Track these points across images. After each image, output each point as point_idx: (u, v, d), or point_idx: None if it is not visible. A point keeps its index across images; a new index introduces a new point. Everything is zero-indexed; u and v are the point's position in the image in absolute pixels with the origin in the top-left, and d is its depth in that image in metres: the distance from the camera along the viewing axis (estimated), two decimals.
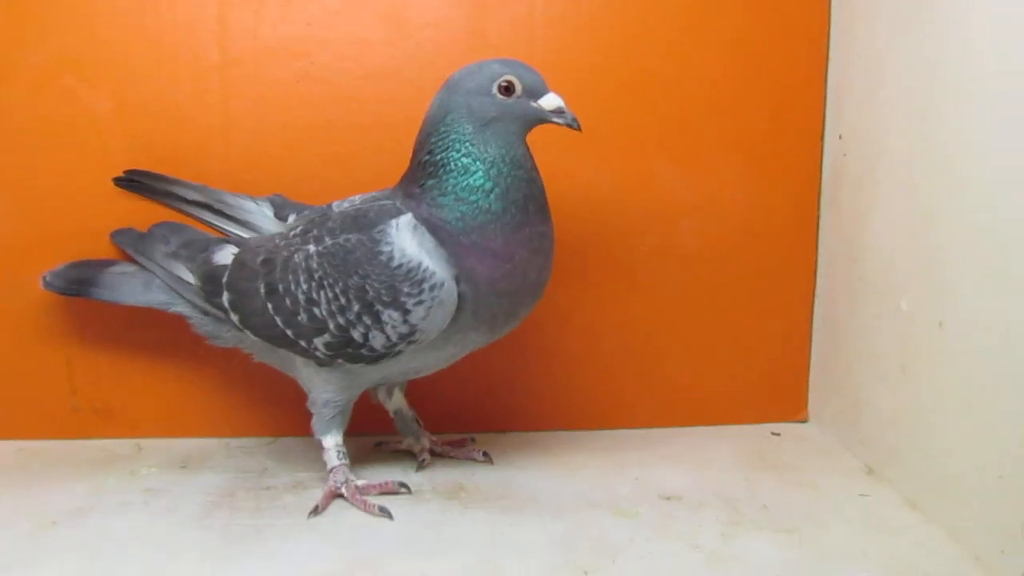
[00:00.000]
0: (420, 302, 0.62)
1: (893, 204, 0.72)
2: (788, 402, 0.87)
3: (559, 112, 0.65)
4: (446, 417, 0.83)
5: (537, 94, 0.65)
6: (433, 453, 0.77)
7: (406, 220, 0.64)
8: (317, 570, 0.57)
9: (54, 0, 0.78)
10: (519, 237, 0.64)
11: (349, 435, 0.71)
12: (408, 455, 0.77)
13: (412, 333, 0.63)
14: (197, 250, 0.73)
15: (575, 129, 0.66)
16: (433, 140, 0.65)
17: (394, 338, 0.63)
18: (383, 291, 0.63)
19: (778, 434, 0.84)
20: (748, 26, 0.83)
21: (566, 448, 0.80)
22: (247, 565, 0.58)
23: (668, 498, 0.68)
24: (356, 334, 0.64)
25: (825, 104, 0.84)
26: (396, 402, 0.77)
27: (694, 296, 0.85)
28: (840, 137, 0.81)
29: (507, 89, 0.64)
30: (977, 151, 0.61)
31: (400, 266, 0.63)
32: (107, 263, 0.77)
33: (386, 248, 0.63)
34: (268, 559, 0.59)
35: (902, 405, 0.70)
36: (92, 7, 0.78)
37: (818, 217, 0.85)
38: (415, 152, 0.67)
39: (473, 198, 0.63)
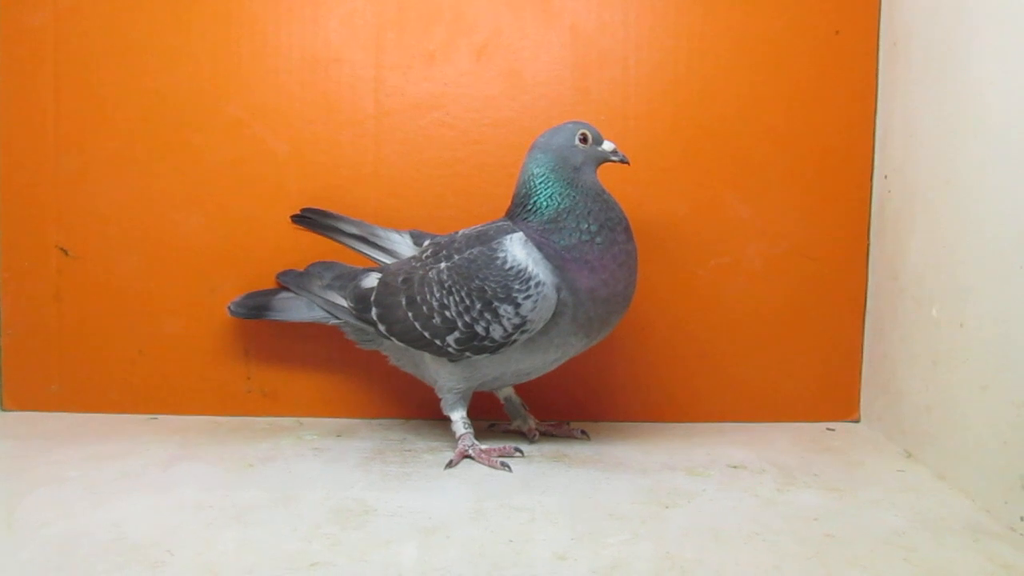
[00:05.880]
0: (528, 296, 0.76)
1: (925, 231, 0.83)
2: (842, 403, 0.97)
3: (615, 152, 0.83)
4: (547, 408, 0.94)
5: (600, 141, 0.83)
6: (538, 432, 0.90)
7: (519, 236, 0.79)
8: (457, 499, 0.71)
9: (249, 58, 0.95)
10: (611, 253, 0.79)
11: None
12: (516, 434, 0.90)
13: (523, 323, 0.77)
14: (347, 280, 0.87)
15: (627, 164, 0.84)
16: (537, 184, 0.81)
17: (509, 328, 0.77)
18: (499, 290, 0.77)
19: (833, 429, 0.95)
20: (807, 85, 0.95)
21: (648, 433, 0.93)
22: (403, 495, 0.72)
23: (734, 466, 0.81)
24: (480, 328, 0.78)
25: (874, 151, 0.95)
26: (506, 391, 0.91)
27: (760, 309, 0.96)
28: (885, 177, 0.93)
29: (584, 139, 0.82)
30: (987, 189, 0.72)
31: (511, 268, 0.77)
32: (275, 291, 0.92)
33: (501, 255, 0.78)
34: (418, 491, 0.73)
35: (934, 395, 0.81)
36: (277, 65, 0.95)
37: (868, 243, 0.95)
38: (521, 193, 0.82)
39: (574, 224, 0.79)
